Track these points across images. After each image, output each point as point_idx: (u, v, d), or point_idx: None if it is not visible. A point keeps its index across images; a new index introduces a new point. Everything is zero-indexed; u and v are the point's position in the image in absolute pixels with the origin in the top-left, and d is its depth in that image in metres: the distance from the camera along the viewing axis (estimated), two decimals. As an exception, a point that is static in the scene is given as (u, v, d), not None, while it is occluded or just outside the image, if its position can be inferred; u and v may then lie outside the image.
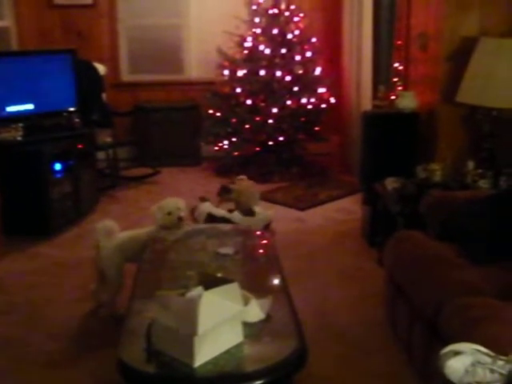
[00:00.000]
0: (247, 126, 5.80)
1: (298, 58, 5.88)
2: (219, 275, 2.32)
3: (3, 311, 3.38)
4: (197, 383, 1.99)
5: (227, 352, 2.06)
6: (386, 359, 2.84)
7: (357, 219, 4.55)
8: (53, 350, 2.97)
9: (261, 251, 3.13)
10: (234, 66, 5.96)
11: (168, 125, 6.36)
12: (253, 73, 5.84)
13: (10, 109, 4.60)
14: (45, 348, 2.99)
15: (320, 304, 3.38)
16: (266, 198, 5.31)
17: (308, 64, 5.94)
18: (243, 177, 4.21)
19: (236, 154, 6.00)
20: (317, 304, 3.36)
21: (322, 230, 4.57)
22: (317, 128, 6.06)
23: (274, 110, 5.71)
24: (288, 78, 5.80)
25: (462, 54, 3.79)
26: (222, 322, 2.03)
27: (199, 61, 6.63)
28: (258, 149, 6.00)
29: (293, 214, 4.94)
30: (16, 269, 3.96)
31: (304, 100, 5.83)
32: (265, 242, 3.23)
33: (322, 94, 5.96)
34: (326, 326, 3.14)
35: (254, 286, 2.42)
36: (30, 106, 4.74)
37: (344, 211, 4.98)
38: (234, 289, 2.08)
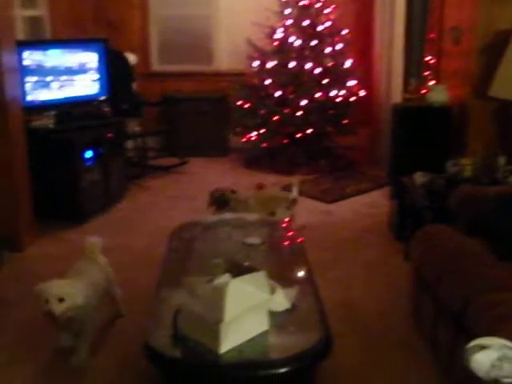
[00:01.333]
0: (275, 118, 5.79)
1: (328, 50, 5.86)
2: (246, 263, 2.34)
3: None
4: (222, 369, 2.02)
5: (252, 340, 2.09)
6: (409, 352, 2.83)
7: (384, 213, 4.53)
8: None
9: (287, 242, 3.13)
10: (263, 57, 5.96)
11: (196, 115, 6.40)
12: (282, 65, 5.83)
13: (43, 97, 4.67)
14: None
15: (345, 296, 3.37)
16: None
17: (338, 56, 5.91)
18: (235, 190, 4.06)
19: (264, 145, 6.01)
20: (342, 296, 3.35)
21: (348, 223, 4.56)
22: (345, 121, 6.02)
23: (303, 103, 5.70)
24: (318, 70, 5.78)
25: (495, 48, 3.74)
26: (248, 309, 2.05)
27: (229, 52, 6.64)
28: (285, 141, 5.99)
29: (320, 207, 4.94)
30: (46, 253, 4.03)
31: (333, 93, 5.81)
32: (291, 233, 3.23)
33: (351, 86, 5.93)
34: (351, 317, 3.14)
35: (280, 276, 2.43)
36: (61, 95, 4.80)
37: (371, 205, 4.96)
38: (260, 277, 2.10)
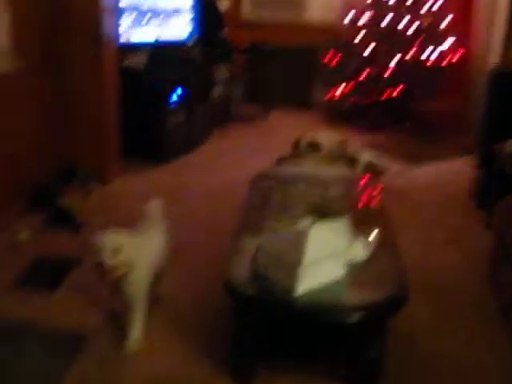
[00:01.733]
0: (363, 76, 5.68)
1: (425, 8, 5.64)
2: (328, 211, 2.35)
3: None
4: (296, 311, 2.07)
5: (328, 286, 2.12)
6: (482, 317, 2.79)
7: (467, 180, 4.40)
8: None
9: (369, 196, 3.11)
10: (357, 12, 5.82)
11: (283, 66, 6.34)
12: (375, 21, 5.69)
13: (136, 38, 4.76)
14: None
15: (421, 257, 3.34)
16: (375, 149, 5.24)
17: (435, 16, 5.69)
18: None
19: (348, 102, 5.92)
20: (418, 257, 3.31)
21: (429, 188, 4.48)
22: (435, 84, 5.84)
23: (393, 62, 5.56)
24: (412, 30, 5.59)
25: None
26: (327, 255, 2.08)
27: (322, 4, 6.51)
28: (371, 100, 5.88)
29: (401, 169, 4.86)
30: (129, 188, 4.19)
31: (426, 53, 5.62)
32: (374, 189, 3.20)
33: (445, 48, 5.71)
34: (425, 278, 3.10)
35: (360, 227, 2.42)
36: (154, 37, 4.89)
37: (455, 171, 4.84)
38: (342, 225, 2.12)
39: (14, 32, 3.45)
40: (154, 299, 2.64)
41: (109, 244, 2.23)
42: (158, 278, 2.61)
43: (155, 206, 2.66)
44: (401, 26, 5.56)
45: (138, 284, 2.38)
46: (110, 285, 2.38)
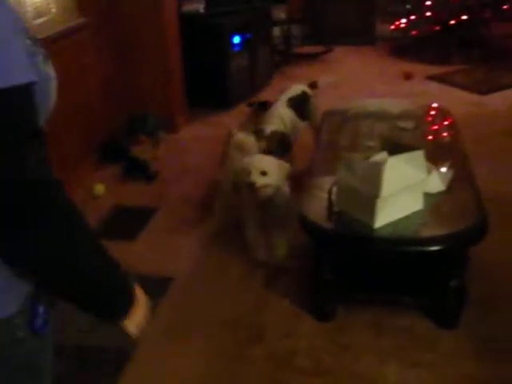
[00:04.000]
0: (428, 3, 5.45)
1: None
2: (404, 142, 2.31)
3: (185, 173, 3.67)
4: (375, 243, 2.07)
5: (407, 217, 2.11)
6: None
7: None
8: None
9: (441, 128, 3.03)
10: None
11: (343, 2, 6.17)
12: None
13: (194, -18, 4.72)
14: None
15: (500, 188, 3.24)
16: (444, 80, 5.08)
17: None
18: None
19: (413, 33, 5.71)
20: (493, 188, 3.21)
21: (503, 115, 4.31)
22: (505, 6, 5.53)
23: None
24: None
25: None
26: (404, 187, 2.06)
27: None
28: (437, 28, 5.64)
29: (472, 98, 4.69)
30: (198, 135, 4.25)
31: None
32: (445, 120, 3.12)
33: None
34: (506, 209, 3.03)
35: (436, 159, 2.38)
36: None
37: (529, 98, 4.63)
38: (418, 157, 2.08)
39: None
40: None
41: (257, 166, 2.43)
42: None
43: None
44: None
45: (282, 206, 2.56)
46: (257, 205, 2.55)
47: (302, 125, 3.36)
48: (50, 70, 1.05)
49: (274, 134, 2.98)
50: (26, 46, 0.92)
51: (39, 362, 1.10)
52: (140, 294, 1.13)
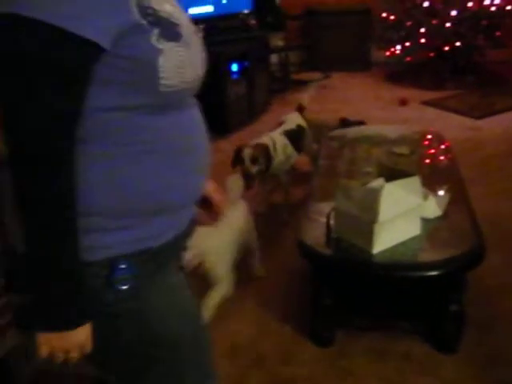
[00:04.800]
0: (422, 30, 5.54)
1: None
2: (400, 168, 2.34)
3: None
4: (374, 268, 2.10)
5: (404, 242, 2.13)
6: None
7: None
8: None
9: (436, 153, 3.08)
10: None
11: (339, 29, 6.28)
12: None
13: (192, 11, 4.80)
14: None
15: (496, 211, 3.28)
16: (439, 105, 5.15)
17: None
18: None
19: (408, 59, 5.80)
20: (488, 212, 3.25)
21: (497, 140, 4.36)
22: (498, 33, 5.63)
23: (453, 13, 5.39)
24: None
25: None
26: (401, 213, 2.09)
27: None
28: (432, 54, 5.75)
29: (467, 123, 4.75)
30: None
31: (487, 1, 5.42)
32: (441, 145, 3.16)
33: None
34: (502, 232, 3.06)
35: (431, 184, 2.42)
36: (210, 8, 4.91)
37: (524, 121, 4.69)
38: (414, 182, 2.11)
39: None
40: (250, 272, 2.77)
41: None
42: (249, 253, 2.71)
43: (234, 181, 2.65)
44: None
45: (215, 267, 2.35)
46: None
47: (295, 155, 3.40)
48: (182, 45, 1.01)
49: (260, 144, 3.07)
50: (119, 13, 0.91)
51: (115, 321, 1.08)
52: (82, 331, 1.01)
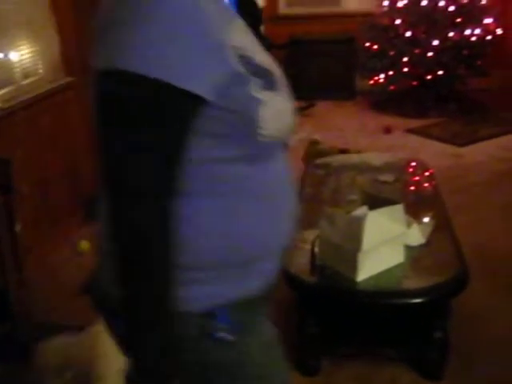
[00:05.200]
0: (405, 59, 5.62)
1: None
2: (383, 196, 2.37)
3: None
4: (358, 296, 2.11)
5: (388, 271, 2.15)
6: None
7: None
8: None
9: (420, 180, 3.11)
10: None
11: (323, 58, 6.35)
12: (414, 3, 5.62)
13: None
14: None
15: (476, 240, 3.30)
16: (422, 133, 5.22)
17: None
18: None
19: (392, 88, 5.89)
20: (473, 240, 3.28)
21: (481, 167, 4.43)
22: (479, 62, 5.75)
23: (435, 43, 5.49)
24: (451, 8, 5.52)
25: None
26: (385, 241, 2.10)
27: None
28: (415, 83, 5.83)
29: (450, 150, 4.82)
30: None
31: (468, 32, 5.54)
32: (424, 173, 3.20)
33: (487, 24, 5.61)
34: (482, 261, 3.08)
35: (415, 212, 2.44)
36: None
37: (506, 149, 4.76)
38: (398, 210, 2.13)
39: (63, 49, 3.60)
40: None
41: None
42: None
43: None
44: (441, 4, 5.48)
45: None
46: None
47: None
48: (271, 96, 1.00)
49: None
50: (222, 59, 0.90)
51: (208, 371, 1.06)
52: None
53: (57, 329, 2.54)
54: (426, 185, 3.03)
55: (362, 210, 2.16)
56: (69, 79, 3.66)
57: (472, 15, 5.58)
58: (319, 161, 3.44)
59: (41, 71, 3.42)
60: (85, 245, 3.45)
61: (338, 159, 3.46)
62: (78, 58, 3.85)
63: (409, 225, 2.26)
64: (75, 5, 3.62)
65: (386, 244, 2.12)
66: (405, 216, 2.19)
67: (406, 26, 5.64)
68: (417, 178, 3.16)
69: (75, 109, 3.74)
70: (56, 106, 3.50)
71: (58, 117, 3.51)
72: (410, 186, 2.98)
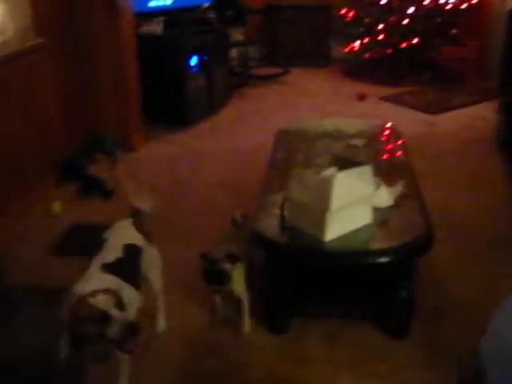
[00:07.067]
0: (380, 27, 5.62)
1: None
2: (352, 159, 2.39)
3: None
4: (326, 256, 2.14)
5: (356, 231, 2.18)
6: (508, 255, 2.86)
7: (490, 126, 4.40)
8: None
9: (392, 146, 3.14)
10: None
11: (299, 24, 6.32)
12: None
13: (152, 4, 4.77)
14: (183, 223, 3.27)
15: (444, 202, 3.36)
16: (396, 101, 5.24)
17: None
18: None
19: (367, 55, 5.89)
20: (441, 203, 3.34)
21: (452, 135, 4.47)
22: (454, 30, 5.77)
23: (410, 10, 5.49)
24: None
25: None
26: (353, 202, 2.13)
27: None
28: (389, 51, 5.83)
29: (423, 118, 4.86)
30: (156, 153, 4.28)
31: (442, 0, 5.54)
32: (395, 138, 3.23)
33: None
34: (449, 222, 3.15)
35: (384, 175, 2.47)
36: (169, 1, 4.89)
37: (477, 117, 4.82)
38: (366, 172, 2.16)
39: (34, 9, 3.51)
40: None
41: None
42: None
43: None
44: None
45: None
46: None
47: (135, 295, 2.07)
48: None
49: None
50: None
51: None
52: None
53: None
54: (397, 151, 3.05)
55: (330, 171, 2.18)
56: (40, 40, 3.58)
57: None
58: (292, 127, 3.44)
59: (11, 32, 3.34)
60: (57, 206, 3.43)
61: (311, 126, 3.46)
62: (52, 18, 3.78)
63: (377, 186, 2.29)
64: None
65: (354, 205, 2.15)
66: (373, 178, 2.22)
67: (383, -8, 5.62)
68: (388, 145, 3.18)
69: (46, 71, 3.68)
70: (26, 68, 3.43)
71: (28, 79, 3.45)
72: (382, 152, 3.00)
